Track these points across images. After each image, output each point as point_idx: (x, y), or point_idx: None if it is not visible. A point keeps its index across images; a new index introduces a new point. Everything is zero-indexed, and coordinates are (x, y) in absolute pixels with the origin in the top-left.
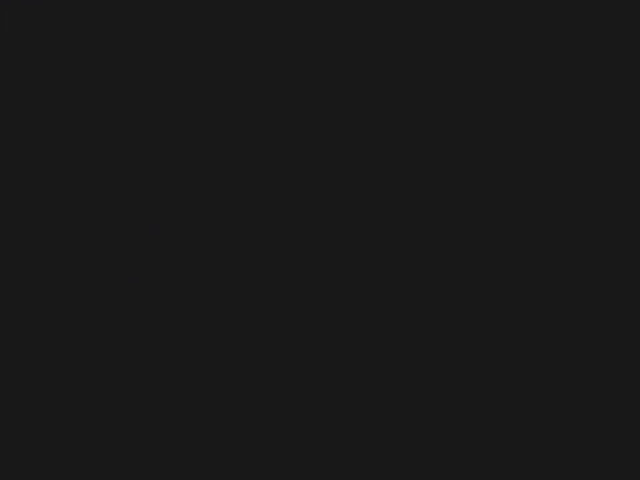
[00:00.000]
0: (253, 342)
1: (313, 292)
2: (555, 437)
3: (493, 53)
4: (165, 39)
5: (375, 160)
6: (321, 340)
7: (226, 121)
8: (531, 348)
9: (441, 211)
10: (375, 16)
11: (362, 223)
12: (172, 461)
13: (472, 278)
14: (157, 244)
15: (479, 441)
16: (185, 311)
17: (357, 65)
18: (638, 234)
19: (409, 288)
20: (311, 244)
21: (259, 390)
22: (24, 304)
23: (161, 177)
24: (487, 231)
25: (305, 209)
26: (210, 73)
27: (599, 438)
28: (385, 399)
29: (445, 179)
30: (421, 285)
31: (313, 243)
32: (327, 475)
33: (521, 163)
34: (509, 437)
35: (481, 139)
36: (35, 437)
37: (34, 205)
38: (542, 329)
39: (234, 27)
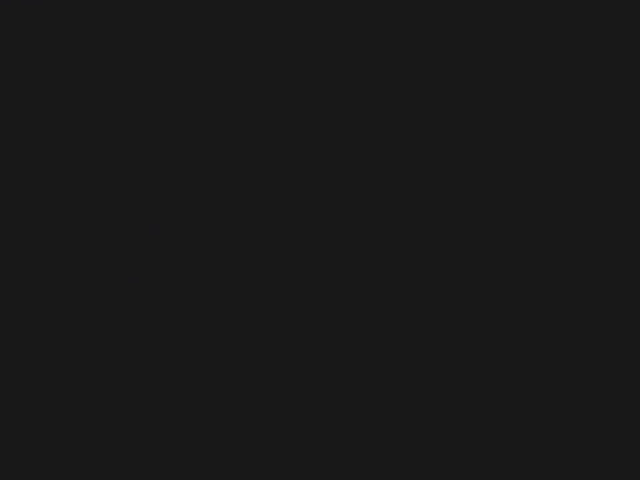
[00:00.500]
0: (253, 342)
1: (314, 292)
2: (555, 437)
3: (493, 53)
4: (165, 38)
5: (375, 160)
6: (321, 340)
7: (226, 120)
8: (531, 348)
9: (441, 210)
10: (374, 16)
11: (362, 223)
12: (172, 461)
13: (472, 278)
14: (156, 244)
15: (479, 441)
16: (185, 311)
17: (357, 65)
18: (638, 234)
19: (409, 288)
20: (311, 244)
21: (259, 390)
22: (24, 304)
23: (161, 176)
24: (487, 230)
25: (305, 209)
26: (210, 72)
27: (599, 438)
28: (385, 398)
29: (445, 179)
30: (421, 284)
31: (314, 242)
32: (327, 475)
33: (521, 163)
34: (509, 437)
35: (481, 139)
36: (34, 436)
37: (34, 205)
38: (542, 328)
39: (234, 27)
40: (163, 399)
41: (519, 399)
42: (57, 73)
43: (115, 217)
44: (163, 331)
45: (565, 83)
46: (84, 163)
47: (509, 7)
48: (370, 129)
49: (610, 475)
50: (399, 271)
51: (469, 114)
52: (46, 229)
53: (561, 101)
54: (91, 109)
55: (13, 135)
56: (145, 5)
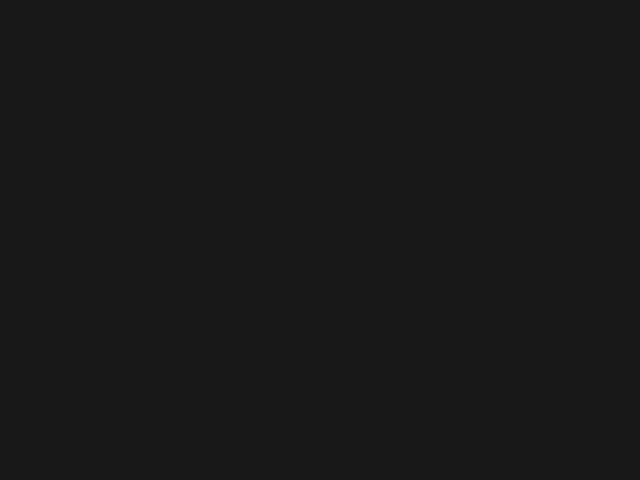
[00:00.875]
0: (254, 342)
1: (313, 292)
2: (555, 437)
3: (493, 53)
4: (165, 38)
5: (375, 160)
6: (321, 340)
7: (226, 121)
8: (531, 348)
9: (441, 211)
10: (374, 16)
11: (362, 223)
12: (172, 461)
13: (472, 278)
14: (157, 244)
15: (479, 441)
16: (185, 311)
17: (357, 65)
18: (638, 234)
19: (409, 288)
20: (311, 244)
21: (259, 390)
22: (23, 304)
23: (161, 176)
24: (487, 231)
25: (305, 209)
26: (210, 72)
27: (599, 438)
28: (385, 399)
29: (445, 179)
30: (421, 285)
31: (314, 242)
32: (327, 475)
33: (521, 164)
34: (509, 437)
35: (481, 139)
36: (34, 436)
37: (34, 205)
38: (542, 329)
39: (234, 27)
40: (163, 399)
41: (519, 399)
42: (57, 73)
43: (115, 217)
44: (163, 331)
45: (565, 83)
46: (84, 163)
47: (508, 7)
48: (370, 129)
49: (610, 475)
50: (399, 271)
51: (469, 114)
52: (46, 229)
53: (560, 101)
54: (91, 109)
55: (13, 134)
56: (145, 5)
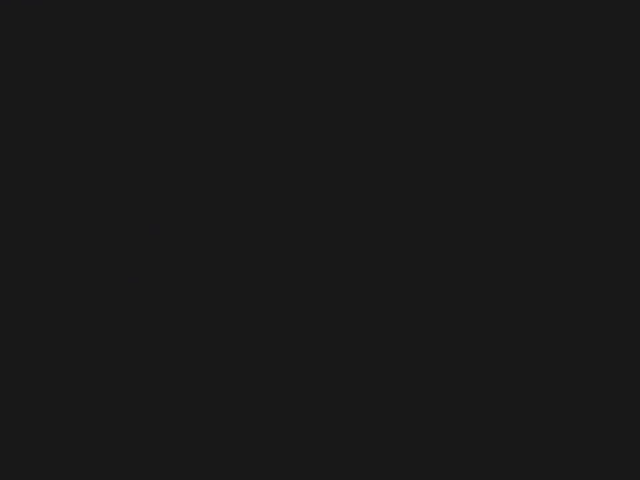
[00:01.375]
0: (253, 342)
1: (313, 292)
2: (555, 438)
3: (493, 53)
4: (165, 38)
5: (375, 160)
6: (321, 340)
7: (226, 121)
8: (531, 348)
9: (441, 211)
10: (374, 16)
11: (362, 223)
12: (172, 461)
13: (472, 278)
14: (157, 244)
15: (479, 441)
16: (185, 311)
17: (356, 65)
18: (638, 234)
19: (409, 288)
20: (311, 244)
21: (259, 390)
22: (23, 304)
23: (161, 176)
24: (487, 231)
25: (305, 209)
26: (210, 72)
27: (599, 438)
28: (385, 398)
29: (445, 179)
30: (421, 285)
31: (313, 242)
32: (327, 475)
33: (521, 164)
34: (509, 437)
35: (481, 139)
36: (34, 436)
37: (33, 205)
38: (542, 329)
39: (234, 27)
40: (163, 399)
41: (519, 399)
42: (57, 73)
43: (115, 217)
44: (163, 331)
45: (565, 83)
46: (84, 163)
47: (508, 7)
48: (370, 129)
49: (610, 475)
50: (398, 271)
51: (469, 114)
52: (46, 229)
53: (560, 101)
54: (91, 109)
55: (13, 134)
56: (145, 5)
